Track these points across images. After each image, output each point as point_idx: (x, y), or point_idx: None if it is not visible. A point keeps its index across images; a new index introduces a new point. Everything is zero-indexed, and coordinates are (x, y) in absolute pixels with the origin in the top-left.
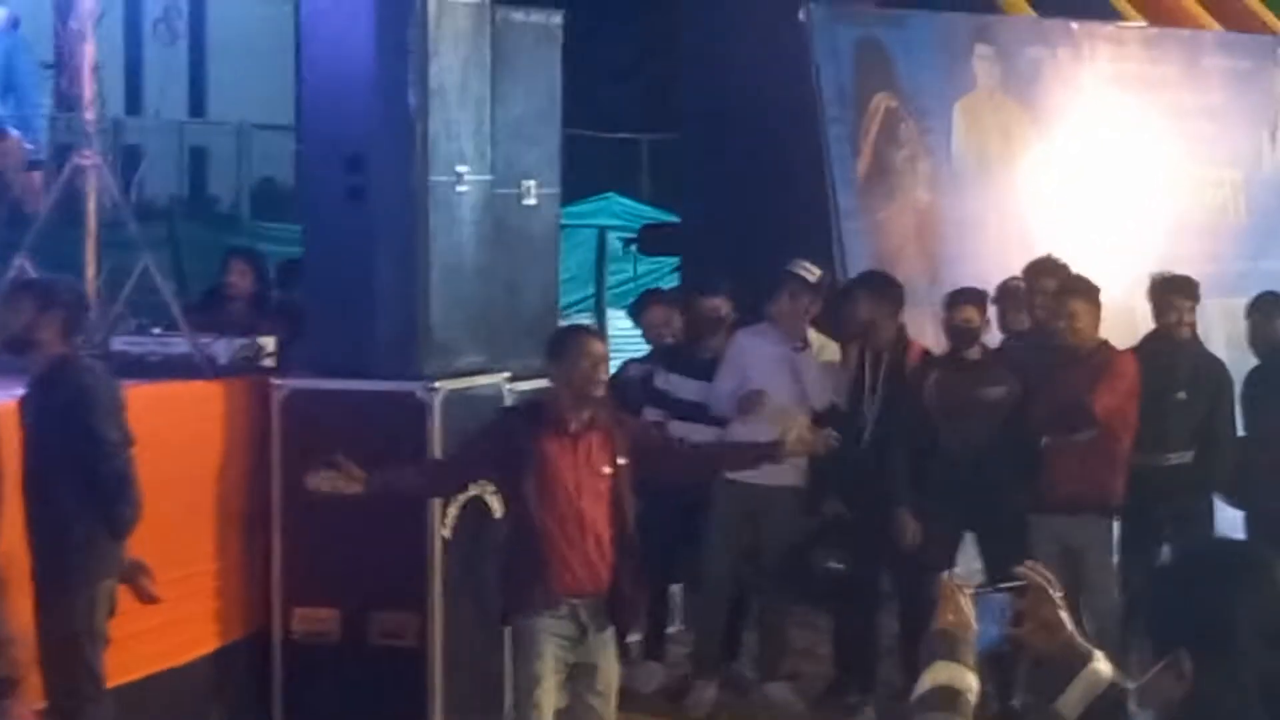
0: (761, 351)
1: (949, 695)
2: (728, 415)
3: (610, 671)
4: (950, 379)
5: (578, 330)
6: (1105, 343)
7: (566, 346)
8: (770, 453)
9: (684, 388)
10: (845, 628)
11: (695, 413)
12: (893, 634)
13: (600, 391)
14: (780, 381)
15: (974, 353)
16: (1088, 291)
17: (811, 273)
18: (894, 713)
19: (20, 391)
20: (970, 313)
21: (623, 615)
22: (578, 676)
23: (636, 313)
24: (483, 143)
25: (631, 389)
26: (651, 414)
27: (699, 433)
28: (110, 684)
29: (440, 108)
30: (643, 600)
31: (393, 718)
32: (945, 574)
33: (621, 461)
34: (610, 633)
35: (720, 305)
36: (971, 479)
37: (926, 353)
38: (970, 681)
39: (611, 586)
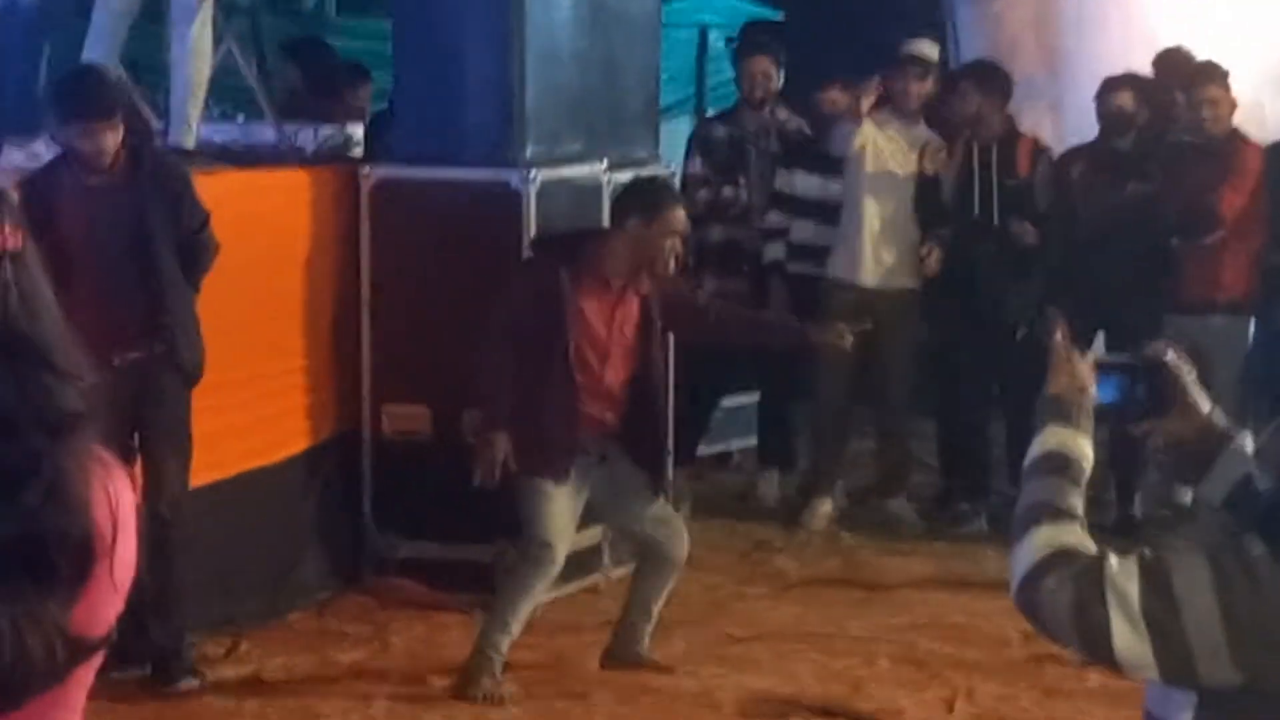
0: (885, 142)
1: (1061, 460)
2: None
3: (644, 491)
4: (1096, 171)
5: (671, 195)
6: (1236, 132)
7: (658, 211)
8: (800, 339)
9: (807, 185)
10: (953, 436)
11: (819, 211)
12: (1002, 442)
13: (668, 273)
14: (906, 171)
15: (1125, 143)
16: (1224, 78)
17: (928, 48)
18: (1007, 521)
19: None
20: (1125, 98)
21: (639, 463)
22: (615, 508)
23: (738, 56)
24: None
25: (718, 149)
26: (774, 219)
27: (823, 234)
28: (200, 482)
29: None
30: (659, 459)
31: (486, 521)
32: (1058, 335)
33: (654, 324)
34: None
35: (838, 98)
36: (1107, 278)
37: (1038, 146)
38: (1084, 448)
39: (625, 434)
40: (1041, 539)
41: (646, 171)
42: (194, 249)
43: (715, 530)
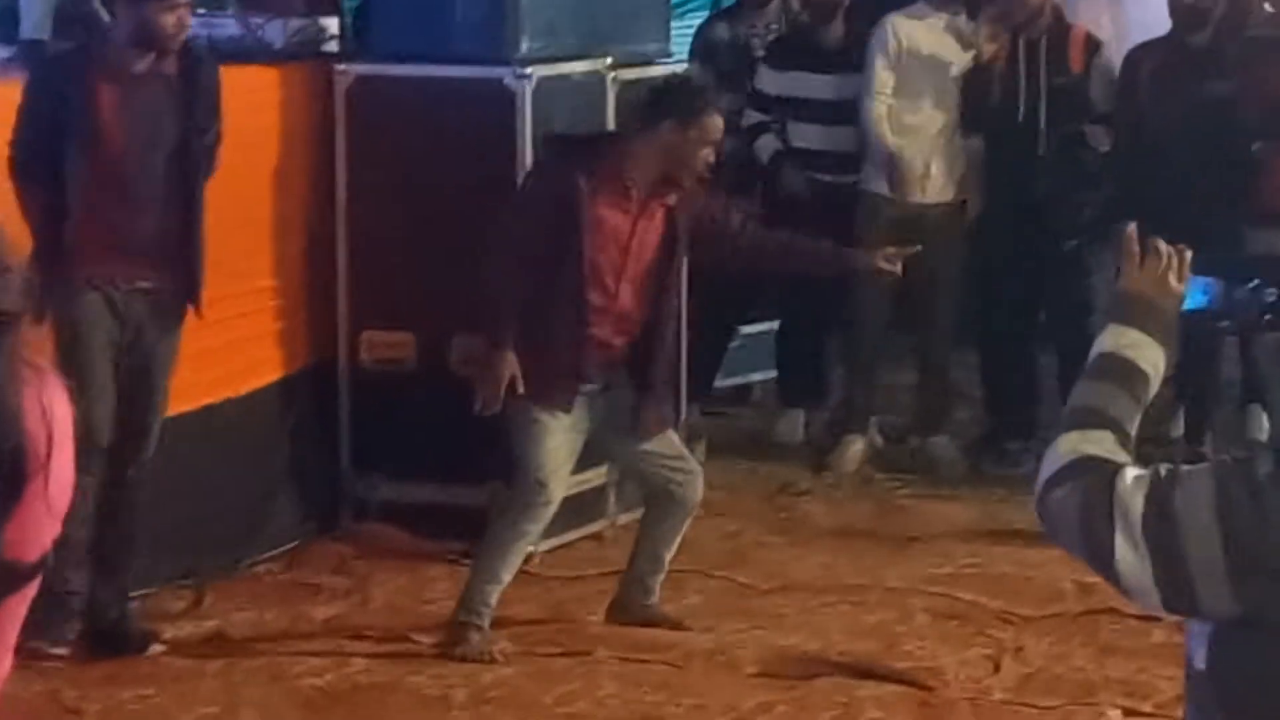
0: (922, 34)
1: (1116, 363)
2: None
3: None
4: (1169, 69)
5: (712, 98)
6: None
7: (698, 115)
8: (844, 265)
9: (804, 84)
10: (998, 368)
11: (826, 112)
12: (1054, 374)
13: (701, 185)
14: (947, 68)
15: (1201, 39)
16: None
17: None
18: None
19: None
20: None
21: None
22: (622, 444)
23: None
24: None
25: (721, 51)
26: (754, 117)
27: (834, 136)
28: (169, 414)
29: None
30: (669, 391)
31: (477, 461)
32: (1130, 229)
33: (678, 242)
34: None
35: None
36: (1180, 188)
37: (1090, 39)
38: (1149, 353)
39: (634, 362)
40: (1066, 445)
41: (656, 71)
42: (210, 162)
43: (734, 472)
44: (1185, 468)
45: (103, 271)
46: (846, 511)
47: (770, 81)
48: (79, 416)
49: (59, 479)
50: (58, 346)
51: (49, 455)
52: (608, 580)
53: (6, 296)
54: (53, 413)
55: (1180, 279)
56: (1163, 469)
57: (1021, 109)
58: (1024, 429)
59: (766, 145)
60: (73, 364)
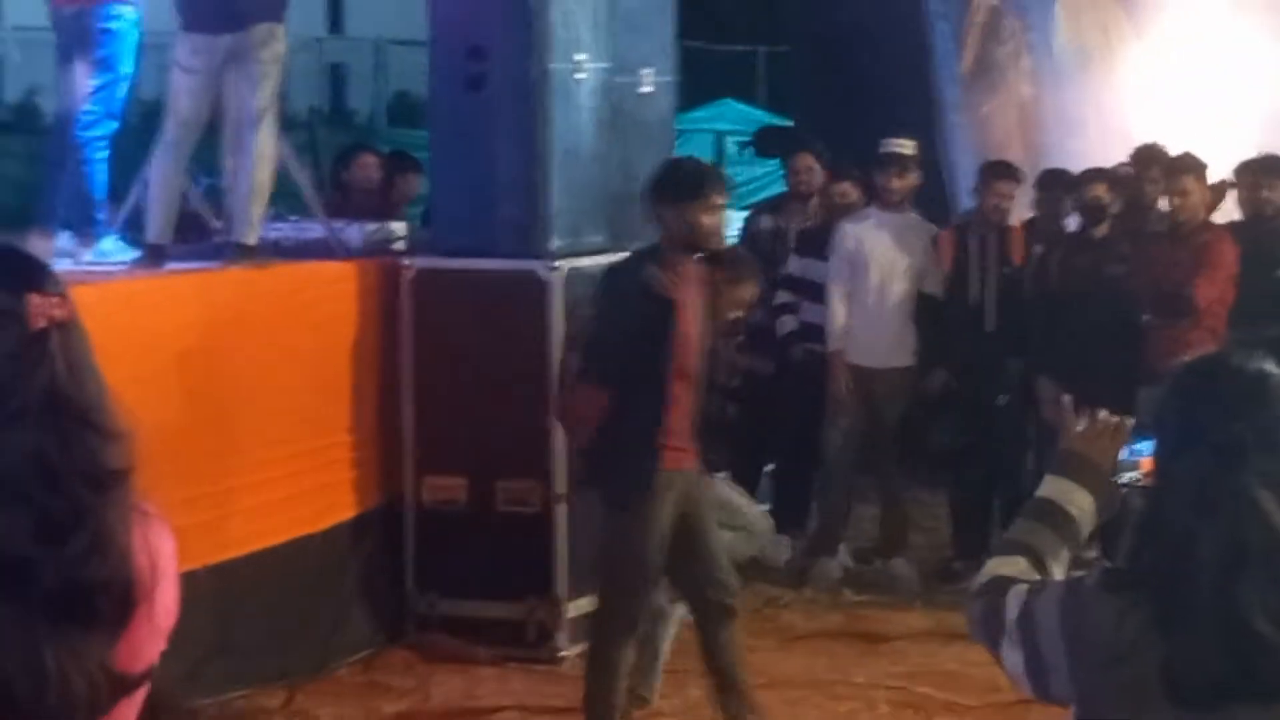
0: (871, 234)
1: (1045, 506)
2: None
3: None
4: (1076, 256)
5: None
6: (1209, 224)
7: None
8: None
9: (816, 270)
10: (960, 502)
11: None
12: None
13: (720, 244)
14: (892, 260)
15: (1101, 230)
16: (1198, 168)
17: (906, 146)
18: None
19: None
20: (1101, 190)
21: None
22: (687, 526)
23: (785, 155)
24: (600, 32)
25: (762, 240)
26: (783, 297)
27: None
28: (254, 548)
29: None
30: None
31: (519, 582)
32: (1064, 399)
33: (719, 314)
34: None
35: (849, 190)
36: (1086, 353)
37: (1028, 231)
38: (1082, 501)
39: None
40: (989, 568)
41: None
42: None
43: None
44: (1051, 582)
45: (684, 458)
46: (822, 620)
47: (795, 266)
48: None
49: (164, 604)
50: (632, 535)
51: (154, 585)
52: None
53: (123, 457)
54: (158, 549)
55: (1119, 444)
56: (1036, 582)
57: (970, 294)
58: (974, 550)
59: (784, 324)
60: (648, 551)
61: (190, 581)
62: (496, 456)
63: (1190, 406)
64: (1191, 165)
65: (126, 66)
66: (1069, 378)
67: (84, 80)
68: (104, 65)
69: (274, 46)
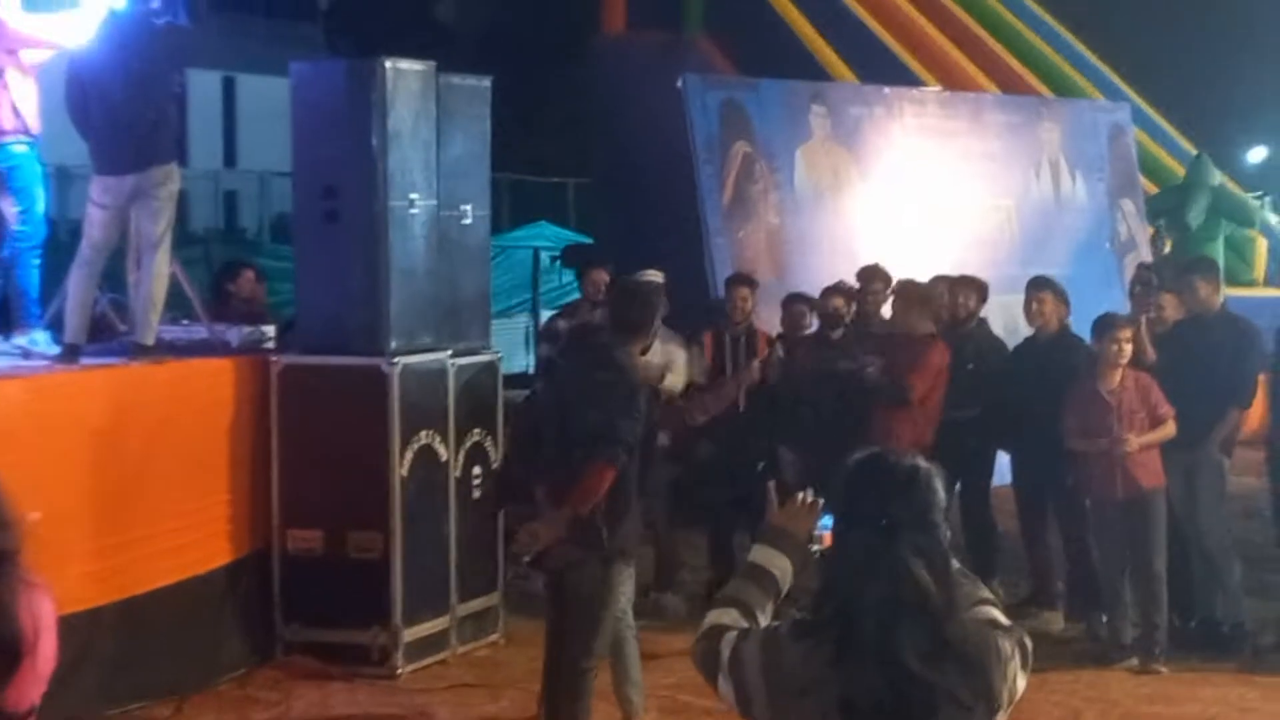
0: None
1: (755, 569)
2: None
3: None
4: (817, 353)
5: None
6: (930, 335)
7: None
8: None
9: None
10: (717, 545)
11: None
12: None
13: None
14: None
15: (837, 333)
16: (907, 291)
17: (657, 276)
18: None
19: None
20: (838, 301)
21: None
22: None
23: (580, 272)
24: (430, 176)
25: (557, 339)
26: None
27: None
28: (152, 587)
29: (397, 149)
30: None
31: (365, 613)
32: (770, 483)
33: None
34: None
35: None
36: (825, 429)
37: (770, 338)
38: (782, 564)
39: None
40: (709, 618)
41: (483, 358)
42: None
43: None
44: (754, 629)
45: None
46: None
47: None
48: None
49: (45, 655)
50: (624, 582)
51: (36, 640)
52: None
53: (12, 540)
54: (39, 611)
55: (813, 520)
56: (745, 632)
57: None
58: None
59: None
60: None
61: (99, 614)
62: (347, 512)
63: (858, 493)
64: (909, 290)
65: (37, 187)
66: (807, 449)
67: (9, 209)
68: (21, 194)
69: (170, 186)
